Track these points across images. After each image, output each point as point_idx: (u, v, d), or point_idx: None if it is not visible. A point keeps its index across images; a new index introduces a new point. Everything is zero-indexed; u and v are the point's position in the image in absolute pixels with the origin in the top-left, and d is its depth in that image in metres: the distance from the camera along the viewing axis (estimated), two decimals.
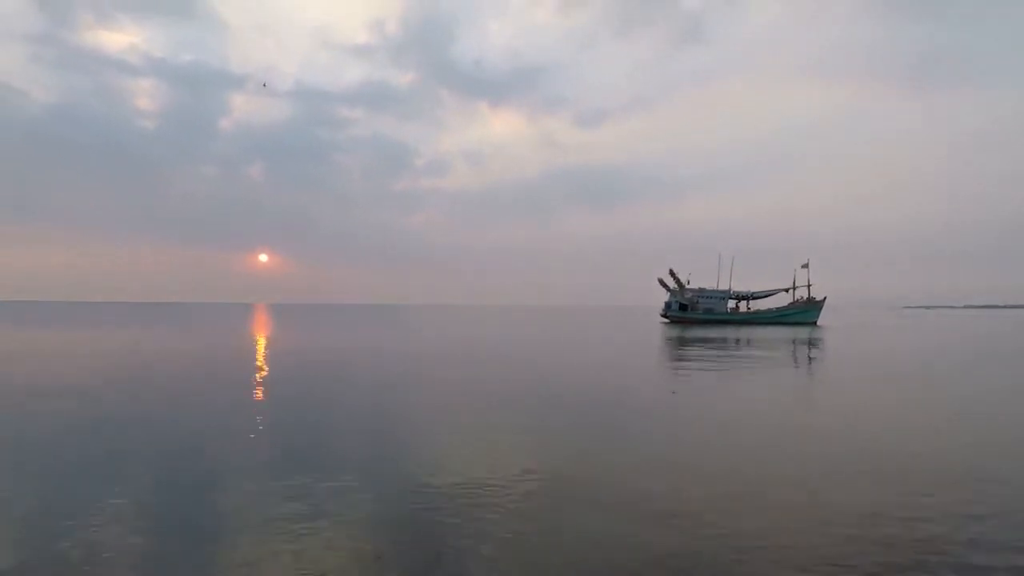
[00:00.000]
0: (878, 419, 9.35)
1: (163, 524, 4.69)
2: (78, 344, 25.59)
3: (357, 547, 4.20)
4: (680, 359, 20.37)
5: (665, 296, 61.39)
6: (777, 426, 8.73)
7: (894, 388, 13.10)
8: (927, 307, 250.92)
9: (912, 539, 4.36)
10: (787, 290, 59.57)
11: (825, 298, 58.31)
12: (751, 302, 61.07)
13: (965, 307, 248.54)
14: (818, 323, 56.39)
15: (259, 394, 11.63)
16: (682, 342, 29.15)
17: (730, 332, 39.51)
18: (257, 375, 14.82)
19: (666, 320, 59.81)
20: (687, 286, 60.66)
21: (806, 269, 59.00)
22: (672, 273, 61.04)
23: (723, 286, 61.09)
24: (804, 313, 58.02)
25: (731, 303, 60.86)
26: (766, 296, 60.94)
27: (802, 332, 40.26)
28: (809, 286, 58.95)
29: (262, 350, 22.97)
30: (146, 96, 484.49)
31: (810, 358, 20.65)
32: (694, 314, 59.09)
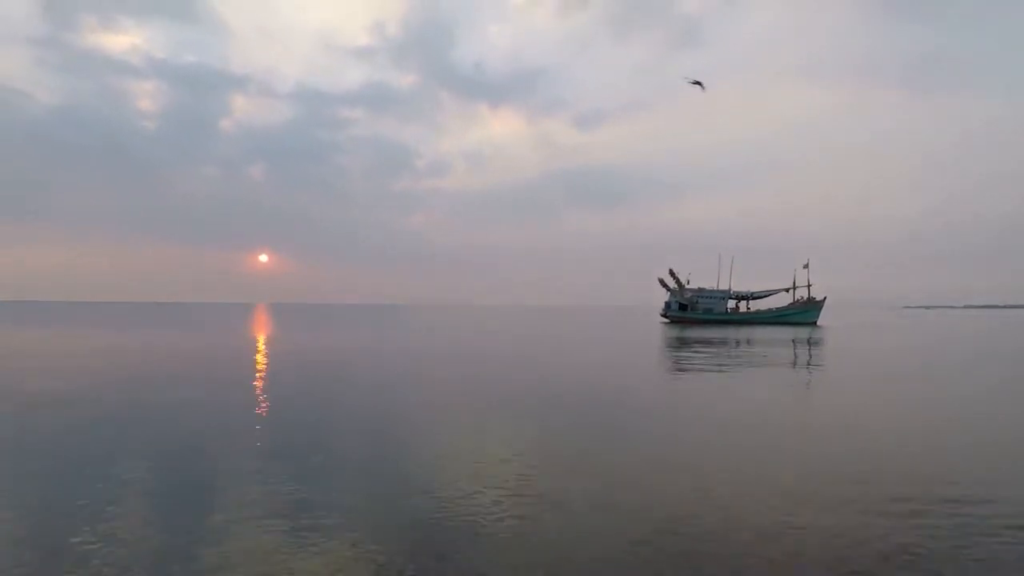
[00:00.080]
0: (878, 419, 9.36)
1: (163, 524, 4.69)
2: (78, 344, 25.61)
3: (357, 548, 4.20)
4: (680, 359, 20.37)
5: (665, 296, 61.45)
6: (777, 426, 8.73)
7: (894, 388, 13.11)
8: (927, 307, 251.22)
9: (912, 539, 4.36)
10: (787, 290, 59.64)
11: (825, 298, 58.35)
12: (751, 302, 61.12)
13: (965, 307, 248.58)
14: (818, 323, 56.41)
15: (259, 394, 11.63)
16: (682, 342, 29.14)
17: (730, 332, 39.51)
18: (257, 375, 14.82)
19: (666, 320, 59.86)
20: (687, 286, 60.71)
21: (806, 269, 59.12)
22: (672, 273, 61.10)
23: (723, 286, 61.20)
24: (804, 313, 58.05)
25: (731, 303, 60.91)
26: (766, 296, 60.99)
27: (802, 332, 40.26)
28: (809, 286, 59.02)
29: (262, 350, 22.97)
30: (148, 97, 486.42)
31: (810, 358, 20.65)
32: (694, 314, 59.14)
